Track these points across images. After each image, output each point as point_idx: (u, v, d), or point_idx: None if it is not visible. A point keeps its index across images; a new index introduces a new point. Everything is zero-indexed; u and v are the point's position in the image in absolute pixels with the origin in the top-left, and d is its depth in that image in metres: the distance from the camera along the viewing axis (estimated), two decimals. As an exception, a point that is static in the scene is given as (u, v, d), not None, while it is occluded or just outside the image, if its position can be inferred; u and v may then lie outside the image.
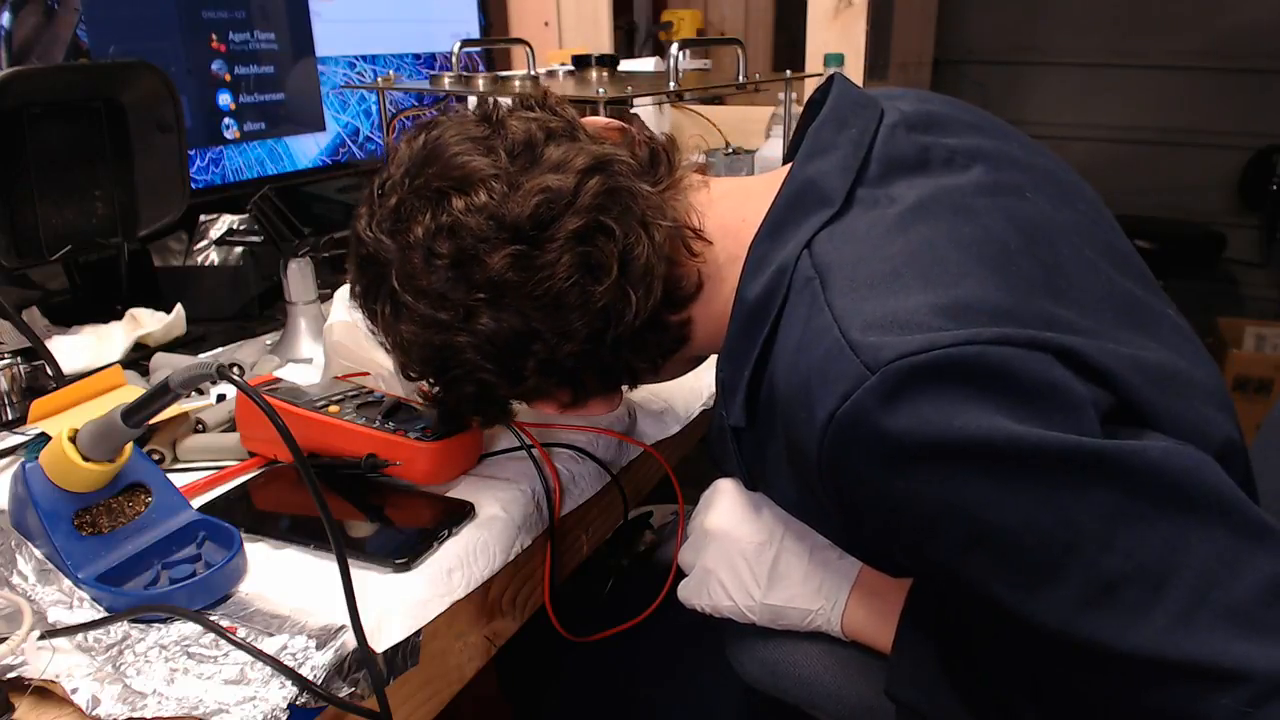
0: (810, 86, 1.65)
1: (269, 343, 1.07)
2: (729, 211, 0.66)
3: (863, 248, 0.57)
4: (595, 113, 0.94)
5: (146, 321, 1.02)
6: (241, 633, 0.55)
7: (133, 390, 0.80)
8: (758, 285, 0.59)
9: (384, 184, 0.65)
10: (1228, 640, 0.46)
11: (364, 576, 0.63)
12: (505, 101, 0.67)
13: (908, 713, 0.64)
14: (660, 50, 2.46)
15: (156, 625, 0.57)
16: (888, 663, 0.64)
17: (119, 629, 0.56)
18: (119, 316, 1.03)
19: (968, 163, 0.62)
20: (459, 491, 0.74)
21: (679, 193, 0.66)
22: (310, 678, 0.53)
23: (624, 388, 0.72)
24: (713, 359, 0.68)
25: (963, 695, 0.60)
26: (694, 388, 0.95)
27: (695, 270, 0.65)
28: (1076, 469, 0.47)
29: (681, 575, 0.86)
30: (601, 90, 0.99)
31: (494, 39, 1.74)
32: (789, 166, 0.65)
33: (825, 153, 0.62)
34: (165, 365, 0.94)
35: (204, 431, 0.82)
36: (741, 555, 0.70)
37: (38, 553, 0.61)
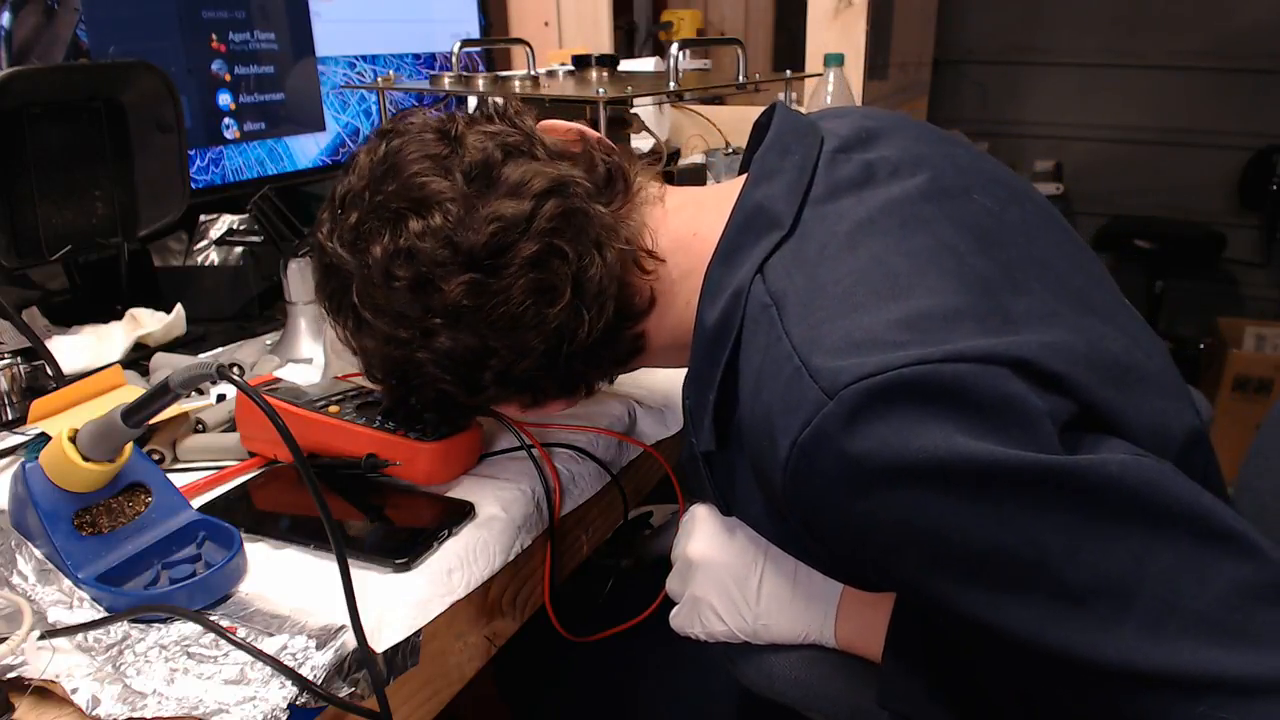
0: (810, 86, 1.65)
1: (269, 343, 1.07)
2: (682, 225, 0.67)
3: (815, 270, 0.57)
4: (593, 114, 0.94)
5: (146, 321, 1.02)
6: (241, 633, 0.55)
7: (133, 390, 0.80)
8: (715, 310, 0.60)
9: (345, 196, 0.66)
10: (1197, 648, 0.46)
11: (364, 576, 0.63)
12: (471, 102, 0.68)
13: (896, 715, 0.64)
14: (660, 50, 2.46)
15: (156, 625, 0.57)
16: (878, 675, 0.64)
17: (119, 629, 0.56)
18: (119, 316, 1.03)
19: (913, 170, 0.63)
20: (459, 491, 0.74)
21: (634, 209, 0.67)
22: (310, 678, 0.53)
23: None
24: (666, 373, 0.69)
25: (953, 705, 0.61)
26: (694, 388, 0.95)
27: (648, 286, 0.67)
28: (1036, 486, 0.48)
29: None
30: (601, 90, 0.99)
31: (494, 39, 1.74)
32: (740, 180, 0.65)
33: (771, 178, 0.63)
34: (165, 365, 0.94)
35: (204, 431, 0.82)
36: (728, 579, 0.70)
37: (38, 553, 0.61)
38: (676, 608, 0.74)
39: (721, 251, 0.62)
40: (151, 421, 0.61)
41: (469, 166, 0.63)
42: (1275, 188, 3.07)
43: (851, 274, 0.55)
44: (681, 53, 1.07)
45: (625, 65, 1.46)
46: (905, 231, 0.58)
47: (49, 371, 0.87)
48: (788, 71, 1.39)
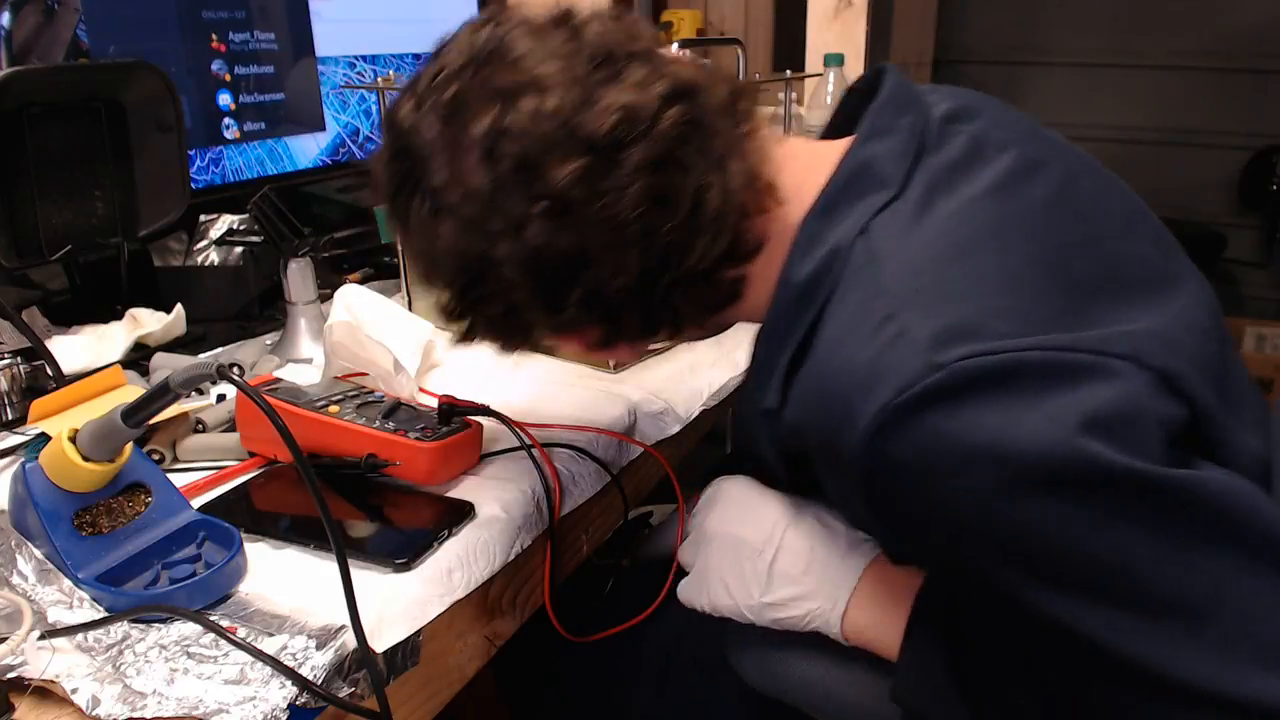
0: (810, 86, 1.65)
1: (269, 343, 1.07)
2: (798, 173, 0.62)
3: (926, 238, 0.55)
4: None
5: (146, 321, 1.02)
6: (241, 633, 0.55)
7: (133, 390, 0.80)
8: (807, 265, 0.57)
9: (438, 74, 0.59)
10: (1266, 678, 0.46)
11: (364, 576, 0.63)
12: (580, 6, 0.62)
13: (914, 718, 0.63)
14: (660, 50, 2.45)
15: (156, 625, 0.57)
16: (895, 668, 0.63)
17: (119, 629, 0.56)
18: (119, 316, 1.03)
19: (1019, 151, 0.60)
20: (459, 491, 0.74)
21: (756, 141, 0.62)
22: (310, 678, 0.53)
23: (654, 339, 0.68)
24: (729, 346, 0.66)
25: (971, 705, 0.60)
26: (694, 388, 0.95)
27: (762, 227, 0.61)
28: (1134, 495, 0.46)
29: (682, 574, 0.86)
30: (601, 90, 0.99)
31: (494, 39, 1.74)
32: (842, 142, 0.63)
33: (884, 135, 0.60)
34: (165, 365, 0.94)
35: (204, 431, 0.82)
36: (742, 555, 0.69)
37: (38, 553, 0.61)
38: (686, 578, 0.73)
39: (821, 205, 0.59)
40: (151, 421, 0.61)
41: (591, 54, 0.57)
42: (1275, 188, 3.07)
43: (962, 250, 0.53)
44: (682, 53, 1.07)
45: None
46: (1017, 218, 0.56)
47: (49, 371, 0.87)
48: (788, 71, 1.39)
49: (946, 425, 0.48)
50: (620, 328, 0.63)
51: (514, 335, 0.66)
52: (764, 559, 0.68)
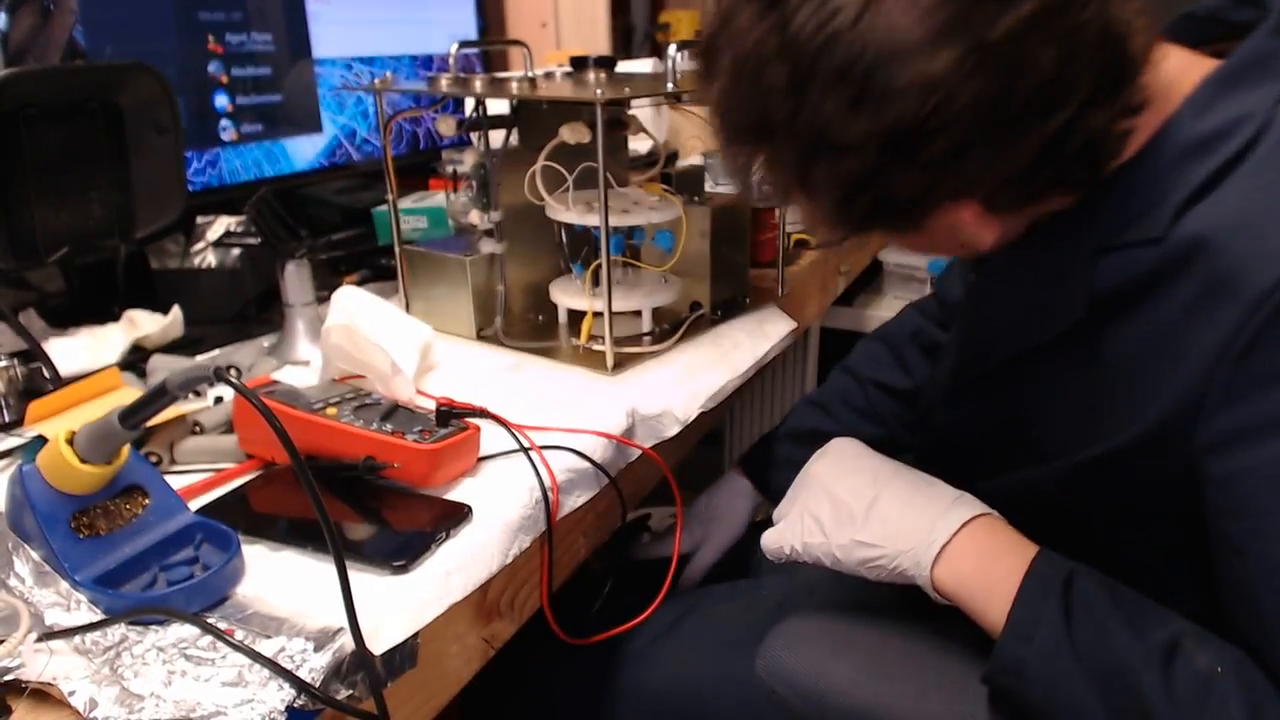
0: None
1: (266, 345, 1.07)
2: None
3: None
4: (591, 116, 0.94)
5: (144, 323, 1.02)
6: (239, 635, 0.55)
7: (130, 392, 0.80)
8: (1209, 120, 0.61)
9: None
10: None
11: (362, 579, 0.63)
12: None
13: (1011, 681, 0.62)
14: (658, 51, 2.46)
15: (154, 627, 0.57)
16: (1010, 617, 0.62)
17: (116, 631, 0.56)
18: (116, 318, 1.03)
19: None
20: (457, 493, 0.74)
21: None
22: (308, 680, 0.53)
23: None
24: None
25: (1085, 662, 0.59)
26: (692, 390, 0.95)
27: (1145, 83, 0.62)
28: None
29: (679, 575, 0.86)
30: (599, 91, 0.99)
31: (491, 40, 1.74)
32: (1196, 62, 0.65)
33: None
34: (163, 367, 0.94)
35: (201, 433, 0.82)
36: (840, 497, 0.72)
37: (35, 555, 0.61)
38: (776, 526, 0.76)
39: (1222, 74, 0.63)
40: (149, 423, 0.61)
41: None
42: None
43: None
44: (679, 54, 1.07)
45: (623, 66, 1.46)
46: None
47: (46, 374, 0.87)
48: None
49: None
50: (1027, 185, 0.61)
51: (928, 198, 0.61)
52: (863, 500, 0.71)
